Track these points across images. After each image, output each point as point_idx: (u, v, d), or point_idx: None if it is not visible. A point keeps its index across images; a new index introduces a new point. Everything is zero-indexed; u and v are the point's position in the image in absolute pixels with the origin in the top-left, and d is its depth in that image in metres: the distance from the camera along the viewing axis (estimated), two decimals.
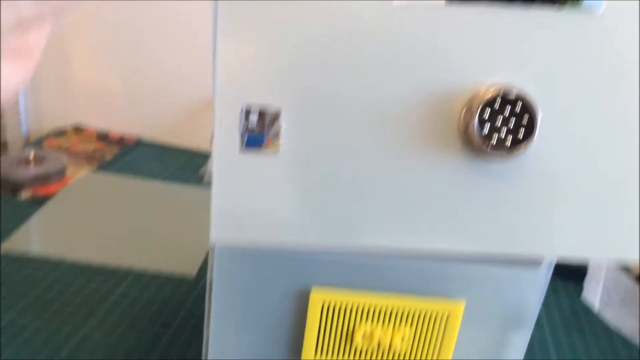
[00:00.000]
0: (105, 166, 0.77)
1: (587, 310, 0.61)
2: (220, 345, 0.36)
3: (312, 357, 0.36)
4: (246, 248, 0.33)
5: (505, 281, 0.35)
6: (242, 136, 0.25)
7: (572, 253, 0.28)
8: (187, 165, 0.80)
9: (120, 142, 0.84)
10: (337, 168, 0.25)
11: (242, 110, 0.24)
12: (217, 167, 0.26)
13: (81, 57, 0.86)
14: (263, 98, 0.24)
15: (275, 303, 0.35)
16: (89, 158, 0.78)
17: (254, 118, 0.24)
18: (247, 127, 0.24)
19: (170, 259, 0.58)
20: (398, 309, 0.35)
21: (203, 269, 0.58)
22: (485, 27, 0.23)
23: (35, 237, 0.60)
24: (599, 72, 0.23)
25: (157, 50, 0.84)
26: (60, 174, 0.71)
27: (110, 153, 0.80)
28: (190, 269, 0.57)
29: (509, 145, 0.22)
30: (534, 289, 0.36)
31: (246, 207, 0.27)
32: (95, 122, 0.88)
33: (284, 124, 0.25)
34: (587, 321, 0.59)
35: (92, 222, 0.63)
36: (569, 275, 0.67)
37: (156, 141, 0.87)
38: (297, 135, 0.25)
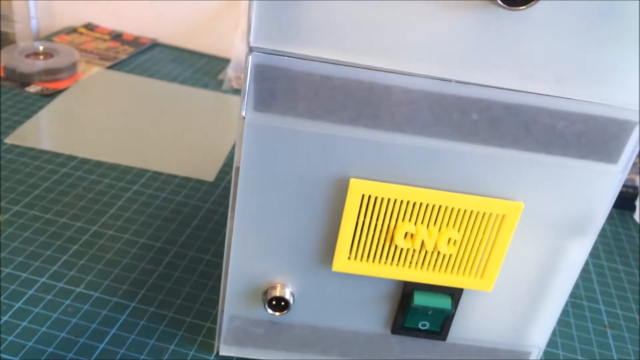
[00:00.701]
0: (119, 65, 0.72)
1: (632, 239, 0.57)
2: (243, 238, 0.32)
3: (346, 260, 0.32)
4: (280, 124, 0.29)
5: (572, 181, 0.31)
6: None
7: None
8: (205, 70, 0.75)
9: (135, 42, 0.79)
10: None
11: None
12: None
13: None
14: None
15: (308, 190, 0.31)
16: (101, 56, 0.73)
17: None
18: None
19: (187, 162, 0.55)
20: (447, 207, 0.31)
21: (222, 173, 0.54)
22: None
23: (45, 131, 0.56)
24: None
25: None
26: (72, 69, 0.66)
27: (124, 52, 0.75)
28: (208, 174, 0.54)
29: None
30: (605, 191, 0.31)
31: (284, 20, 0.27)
32: (109, 22, 0.82)
33: None
34: (631, 249, 0.55)
35: (104, 121, 0.59)
36: (618, 204, 0.62)
37: (173, 44, 0.82)
38: None
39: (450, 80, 0.28)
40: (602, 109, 0.29)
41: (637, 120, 0.29)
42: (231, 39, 0.77)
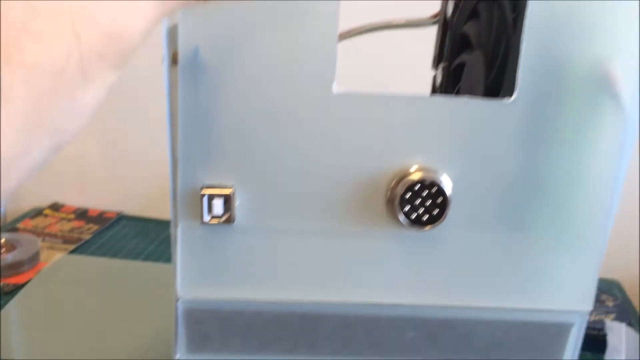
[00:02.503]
0: (82, 247, 0.72)
1: None
2: None
3: None
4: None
5: None
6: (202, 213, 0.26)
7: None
8: (169, 240, 0.75)
9: (100, 218, 0.80)
10: (286, 238, 0.27)
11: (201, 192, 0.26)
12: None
13: None
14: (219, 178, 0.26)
15: None
16: (65, 239, 0.73)
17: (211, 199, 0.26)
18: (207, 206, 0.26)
19: (149, 346, 0.53)
20: None
21: None
22: (411, 116, 0.25)
23: (5, 339, 0.55)
24: (510, 154, 0.26)
25: (138, 118, 0.81)
26: (34, 259, 0.66)
27: (88, 232, 0.75)
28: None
29: (424, 221, 0.26)
30: None
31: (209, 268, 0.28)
32: (75, 198, 0.84)
33: (237, 200, 0.26)
34: None
35: (61, 315, 0.58)
36: (588, 346, 0.61)
37: (138, 215, 0.83)
38: (248, 210, 0.26)
39: (380, 305, 0.29)
40: (536, 314, 0.29)
41: (573, 321, 0.30)
42: None
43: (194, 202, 0.26)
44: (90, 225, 0.78)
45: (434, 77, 0.42)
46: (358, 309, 0.28)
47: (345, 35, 0.39)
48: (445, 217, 0.26)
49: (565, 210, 0.27)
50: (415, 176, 0.25)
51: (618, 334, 0.56)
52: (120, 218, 0.82)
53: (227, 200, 0.25)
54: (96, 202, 0.84)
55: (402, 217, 0.26)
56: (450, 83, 0.38)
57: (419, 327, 0.29)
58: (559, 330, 0.29)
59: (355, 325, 0.29)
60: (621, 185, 0.27)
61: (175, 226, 0.27)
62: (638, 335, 0.59)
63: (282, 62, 0.24)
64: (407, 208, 0.25)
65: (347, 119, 0.25)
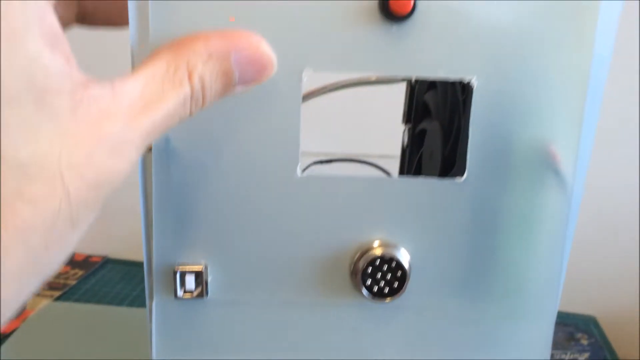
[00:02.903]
0: (68, 293, 0.73)
1: None
2: None
3: None
4: None
5: None
6: (175, 289, 0.28)
7: None
8: None
9: (86, 262, 0.81)
10: (256, 310, 0.29)
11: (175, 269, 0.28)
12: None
13: None
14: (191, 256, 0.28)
15: None
16: (51, 285, 0.74)
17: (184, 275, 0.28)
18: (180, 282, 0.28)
19: None
20: None
21: None
22: (371, 195, 0.28)
23: None
24: (463, 229, 0.28)
25: None
26: (19, 308, 0.67)
27: (73, 277, 0.77)
28: None
29: (385, 293, 0.28)
30: None
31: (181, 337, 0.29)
32: None
33: (209, 276, 0.28)
34: None
35: None
36: None
37: (124, 258, 0.84)
38: (219, 284, 0.28)
39: None
40: None
41: None
42: None
43: (167, 277, 0.27)
44: (76, 270, 0.79)
45: (403, 134, 0.44)
46: None
47: (318, 93, 0.41)
48: (404, 289, 0.28)
49: (516, 281, 0.29)
50: (376, 252, 0.27)
51: None
52: (106, 262, 0.83)
53: (199, 276, 0.27)
54: (82, 245, 0.85)
55: (364, 291, 0.27)
56: (415, 145, 0.40)
57: None
58: None
59: None
60: (568, 253, 0.29)
61: (150, 299, 0.28)
62: None
63: (249, 149, 0.26)
64: (369, 282, 0.27)
65: (312, 199, 0.27)
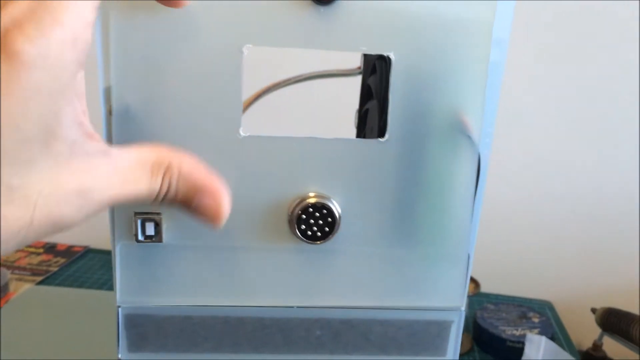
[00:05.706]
0: (50, 279, 0.77)
1: None
2: None
3: None
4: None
5: None
6: (136, 234, 0.32)
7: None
8: None
9: (68, 252, 0.84)
10: (207, 253, 0.33)
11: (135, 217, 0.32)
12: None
13: None
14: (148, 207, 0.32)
15: None
16: (33, 271, 0.78)
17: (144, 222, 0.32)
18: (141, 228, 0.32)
19: None
20: None
21: None
22: (306, 153, 0.32)
23: None
24: (387, 183, 0.33)
25: None
26: (3, 290, 0.71)
27: (55, 265, 0.80)
28: None
29: (318, 237, 0.32)
30: None
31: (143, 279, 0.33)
32: None
33: (165, 224, 0.32)
34: None
35: (30, 343, 0.63)
36: (509, 358, 0.67)
37: (105, 249, 0.88)
38: (174, 231, 0.32)
39: (292, 307, 0.35)
40: (421, 314, 0.35)
41: (452, 319, 0.36)
42: None
43: (128, 225, 0.32)
44: (58, 258, 0.82)
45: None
46: (272, 312, 0.34)
47: (280, 85, 0.45)
48: (334, 234, 0.32)
49: (435, 229, 0.33)
50: (310, 201, 0.32)
51: (537, 345, 0.63)
52: (87, 252, 0.86)
53: (158, 223, 0.31)
54: (64, 236, 0.88)
55: (298, 234, 0.32)
56: (362, 124, 0.45)
57: (324, 327, 0.35)
58: (441, 327, 0.36)
59: (271, 326, 0.35)
60: (480, 205, 0.34)
61: (114, 245, 0.32)
62: (558, 347, 0.65)
63: (198, 113, 0.30)
64: (303, 227, 0.32)
65: (254, 157, 0.31)
